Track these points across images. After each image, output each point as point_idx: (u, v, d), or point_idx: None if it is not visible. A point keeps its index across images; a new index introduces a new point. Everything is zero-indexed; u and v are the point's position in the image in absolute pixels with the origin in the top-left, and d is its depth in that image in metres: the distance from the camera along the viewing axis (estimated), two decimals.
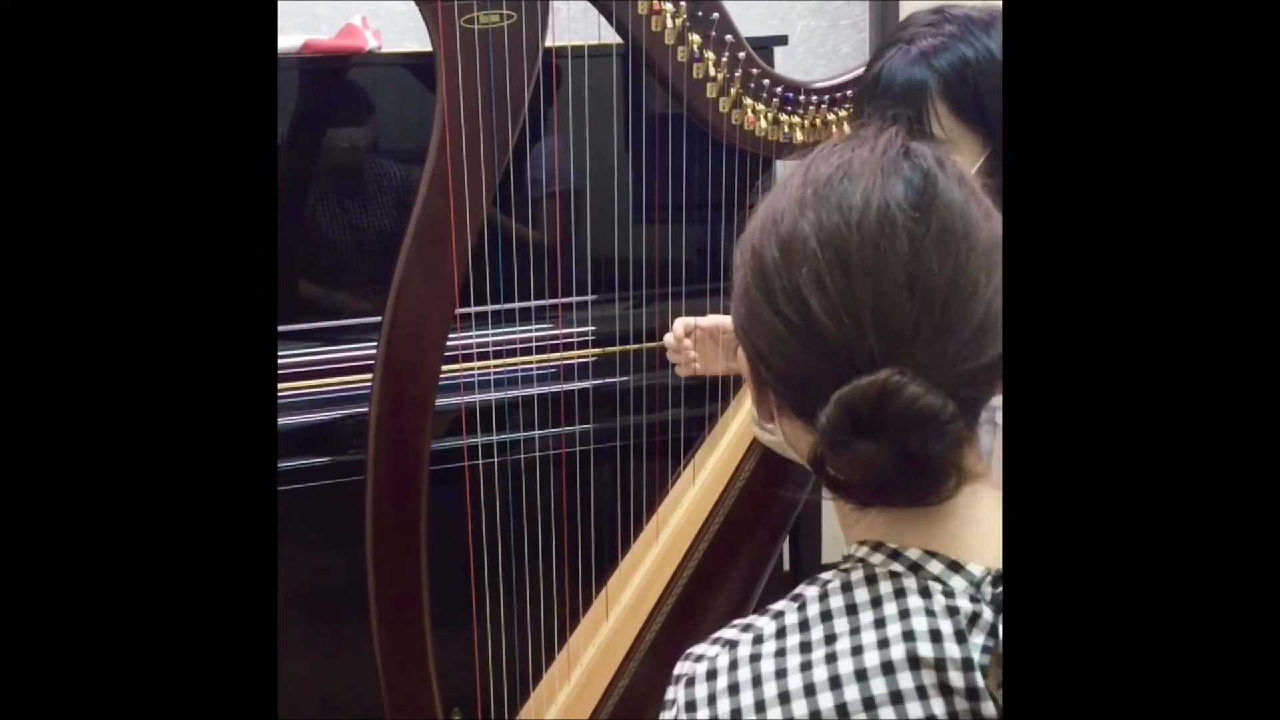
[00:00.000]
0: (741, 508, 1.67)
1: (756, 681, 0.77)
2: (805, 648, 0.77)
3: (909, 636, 0.75)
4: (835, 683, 0.75)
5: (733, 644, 0.80)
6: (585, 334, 1.95)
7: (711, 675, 0.79)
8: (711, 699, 0.78)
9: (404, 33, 2.26)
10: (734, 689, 0.77)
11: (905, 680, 0.74)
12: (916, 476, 0.75)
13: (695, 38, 1.56)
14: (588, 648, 1.66)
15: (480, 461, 1.67)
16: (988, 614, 0.74)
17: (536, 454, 1.76)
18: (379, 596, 1.52)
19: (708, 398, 1.72)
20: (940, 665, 0.73)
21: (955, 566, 0.77)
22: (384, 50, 2.02)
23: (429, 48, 1.44)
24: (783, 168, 1.85)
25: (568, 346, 1.94)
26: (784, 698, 0.76)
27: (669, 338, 1.55)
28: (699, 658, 0.80)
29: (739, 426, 1.62)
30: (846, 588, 0.78)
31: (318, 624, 1.89)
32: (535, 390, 1.88)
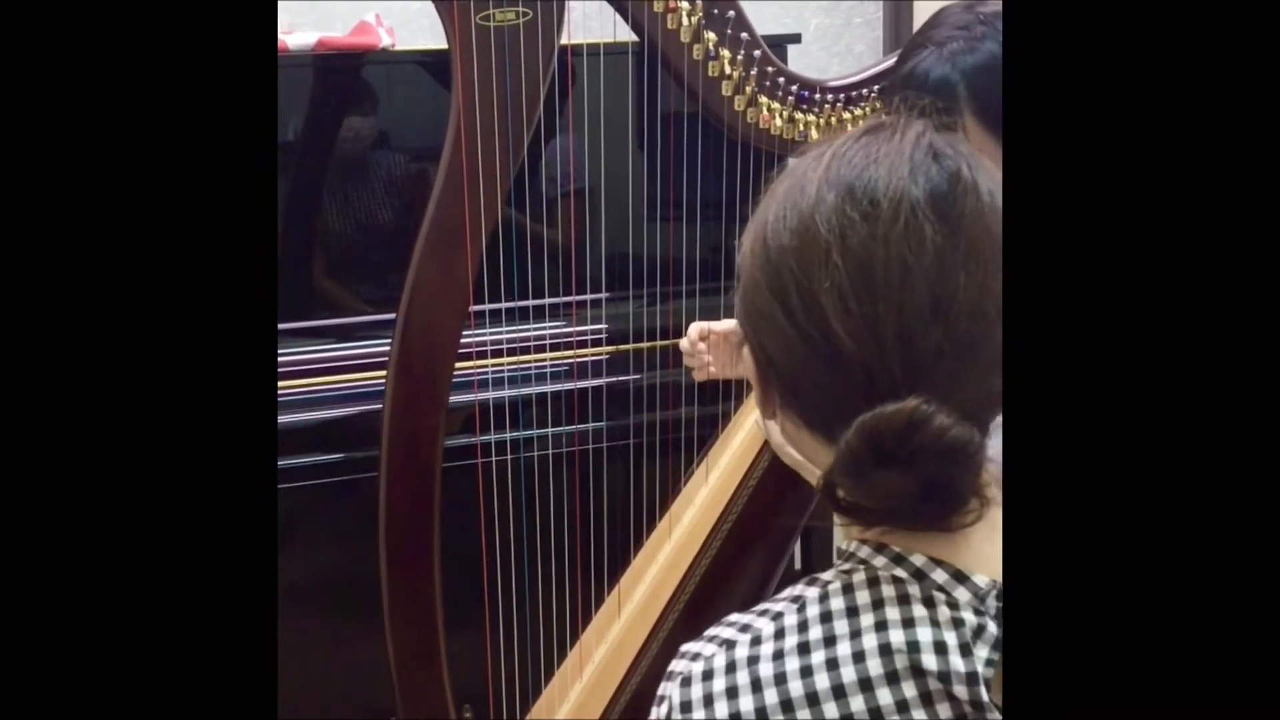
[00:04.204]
0: (754, 506, 1.66)
1: (756, 686, 0.74)
2: (804, 650, 0.74)
3: (914, 648, 0.72)
4: (839, 691, 0.72)
5: (730, 644, 0.77)
6: (599, 332, 1.95)
7: (708, 676, 0.76)
8: (708, 700, 0.75)
9: (418, 30, 2.26)
10: (732, 692, 0.74)
11: (909, 689, 0.71)
12: (937, 504, 0.72)
13: (711, 35, 1.56)
14: (600, 645, 1.66)
15: (493, 459, 1.67)
16: (992, 627, 0.72)
17: (550, 451, 1.76)
18: (391, 593, 1.53)
19: (721, 396, 1.72)
20: (945, 678, 0.71)
21: (960, 577, 0.73)
22: (398, 48, 2.02)
23: (443, 45, 1.45)
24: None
25: (581, 344, 1.94)
26: (786, 706, 0.73)
27: (684, 342, 1.55)
28: (695, 656, 0.77)
29: (752, 425, 1.62)
30: (848, 590, 0.75)
31: (330, 620, 1.89)
32: (549, 388, 1.88)
